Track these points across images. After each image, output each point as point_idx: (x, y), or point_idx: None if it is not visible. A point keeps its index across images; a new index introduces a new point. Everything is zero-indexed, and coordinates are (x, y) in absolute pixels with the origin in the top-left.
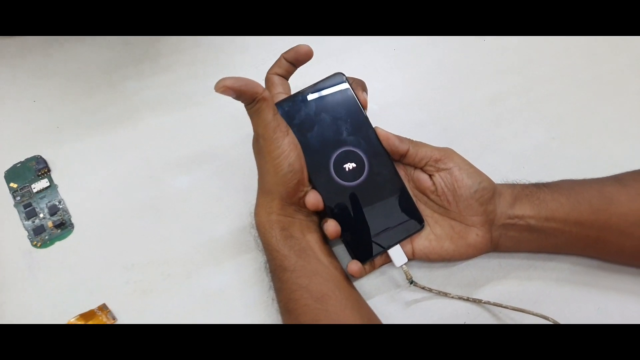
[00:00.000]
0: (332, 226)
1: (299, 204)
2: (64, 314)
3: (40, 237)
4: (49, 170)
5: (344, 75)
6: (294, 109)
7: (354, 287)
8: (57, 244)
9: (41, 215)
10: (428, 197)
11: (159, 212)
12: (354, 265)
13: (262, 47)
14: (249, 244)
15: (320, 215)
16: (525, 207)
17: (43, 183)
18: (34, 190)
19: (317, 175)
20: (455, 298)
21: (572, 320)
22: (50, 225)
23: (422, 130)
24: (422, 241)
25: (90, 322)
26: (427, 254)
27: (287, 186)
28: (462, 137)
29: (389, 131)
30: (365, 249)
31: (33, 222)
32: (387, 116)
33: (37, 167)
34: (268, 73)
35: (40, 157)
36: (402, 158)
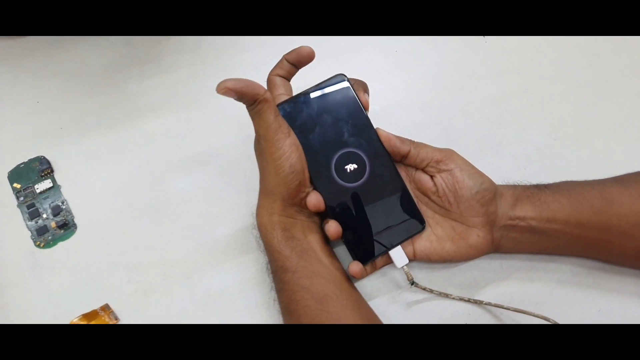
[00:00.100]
0: (333, 227)
1: (301, 205)
2: (67, 314)
3: (44, 237)
4: (52, 171)
5: (345, 76)
6: (295, 110)
7: (355, 288)
8: (60, 244)
9: (44, 216)
10: (429, 198)
11: (161, 213)
12: (355, 266)
13: (264, 48)
14: (250, 244)
15: (322, 216)
16: (526, 208)
17: (46, 183)
18: (37, 191)
19: (318, 176)
20: (457, 299)
21: (573, 322)
22: (53, 226)
23: (423, 131)
24: (423, 242)
25: (93, 322)
26: (428, 254)
27: (289, 187)
28: (463, 138)
29: (390, 132)
30: (367, 249)
31: (36, 222)
32: (388, 117)
33: (40, 168)
34: (270, 74)
35: (44, 157)
36: (403, 159)
